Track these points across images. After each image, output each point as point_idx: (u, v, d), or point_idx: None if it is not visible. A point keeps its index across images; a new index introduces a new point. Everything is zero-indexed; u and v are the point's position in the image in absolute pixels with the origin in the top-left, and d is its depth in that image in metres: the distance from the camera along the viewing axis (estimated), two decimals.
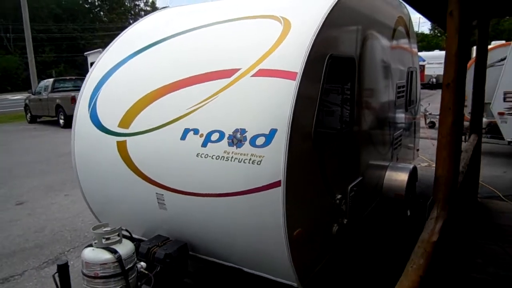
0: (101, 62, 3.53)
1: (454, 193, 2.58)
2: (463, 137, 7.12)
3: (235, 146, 2.50)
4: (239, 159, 2.48)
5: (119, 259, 2.42)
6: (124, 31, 3.80)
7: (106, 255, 2.42)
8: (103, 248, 2.45)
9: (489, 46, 11.27)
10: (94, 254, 2.43)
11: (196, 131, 2.69)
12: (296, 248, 2.48)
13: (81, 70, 54.39)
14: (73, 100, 13.55)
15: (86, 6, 68.82)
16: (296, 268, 2.53)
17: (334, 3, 2.78)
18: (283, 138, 2.33)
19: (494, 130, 7.88)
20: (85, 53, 19.77)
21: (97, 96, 3.33)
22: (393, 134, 4.74)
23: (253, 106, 2.54)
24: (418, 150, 6.36)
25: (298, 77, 2.39)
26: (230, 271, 2.96)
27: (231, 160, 2.51)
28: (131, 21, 72.86)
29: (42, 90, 15.55)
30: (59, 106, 14.28)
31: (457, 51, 2.31)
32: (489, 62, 9.09)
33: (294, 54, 2.49)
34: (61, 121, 14.44)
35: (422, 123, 9.48)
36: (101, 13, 71.53)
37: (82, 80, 14.43)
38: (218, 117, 2.62)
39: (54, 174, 7.82)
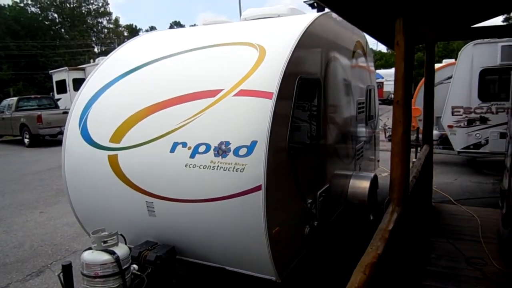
0: (89, 83, 3.81)
1: (406, 193, 3.06)
2: (418, 148, 7.88)
3: (220, 157, 2.86)
4: (224, 167, 2.84)
5: (117, 260, 2.69)
6: (110, 54, 4.11)
7: (106, 256, 2.68)
8: (102, 250, 2.71)
9: (439, 65, 12.38)
10: (94, 256, 2.69)
11: (184, 144, 3.02)
12: (275, 245, 2.84)
13: (41, 88, 52.73)
14: (39, 119, 13.39)
15: (46, 23, 67.09)
16: (275, 263, 2.89)
17: (303, 32, 3.24)
18: (263, 149, 2.72)
19: (445, 142, 8.65)
20: (50, 72, 19.50)
21: (87, 114, 3.59)
22: (356, 146, 5.25)
23: (235, 121, 2.92)
24: (378, 161, 6.94)
25: (274, 96, 2.81)
26: (213, 270, 3.27)
27: (217, 169, 2.86)
28: (94, 39, 71.80)
29: (5, 109, 15.20)
30: (24, 125, 14.02)
31: (404, 74, 2.81)
32: (438, 80, 10.03)
33: (270, 76, 2.92)
34: (26, 140, 14.16)
35: (382, 137, 10.20)
36: (62, 30, 69.90)
37: (47, 98, 14.28)
38: (205, 131, 2.98)
39: (25, 193, 7.78)
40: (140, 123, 3.28)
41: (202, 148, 2.95)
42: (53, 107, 15.55)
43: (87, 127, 3.55)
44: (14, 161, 11.82)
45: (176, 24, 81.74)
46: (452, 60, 12.45)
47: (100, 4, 67.52)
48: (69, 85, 17.11)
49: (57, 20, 68.35)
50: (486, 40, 7.25)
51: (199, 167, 2.93)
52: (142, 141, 3.22)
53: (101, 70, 3.89)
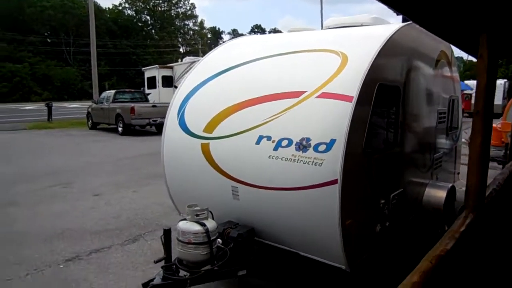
0: (187, 80, 4.38)
1: (482, 201, 3.12)
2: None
3: (301, 151, 3.19)
4: (304, 161, 3.16)
5: (206, 231, 3.14)
6: (204, 56, 4.66)
7: (197, 227, 3.15)
8: (195, 221, 3.19)
9: None
10: (188, 226, 3.17)
11: (269, 138, 3.40)
12: (346, 236, 3.09)
13: (131, 83, 57.62)
14: (132, 110, 14.88)
15: (140, 24, 73.16)
16: (346, 252, 3.13)
17: (385, 41, 3.44)
18: (341, 146, 2.99)
19: None
20: (143, 69, 21.46)
21: (185, 107, 4.15)
22: (433, 156, 5.23)
23: (317, 121, 3.23)
24: (459, 173, 6.73)
25: (354, 100, 3.06)
26: (288, 255, 3.60)
27: (297, 162, 3.20)
28: (180, 39, 76.62)
29: (104, 100, 17.13)
30: (119, 115, 15.69)
31: (486, 85, 2.90)
32: None
33: (351, 82, 3.17)
34: (120, 129, 15.83)
35: (466, 150, 9.72)
36: (153, 31, 75.60)
37: (139, 92, 15.82)
38: (288, 128, 3.33)
39: (119, 175, 8.84)
40: (230, 117, 3.73)
41: (284, 142, 3.30)
42: (143, 101, 17.17)
43: (184, 118, 4.11)
44: (110, 147, 13.34)
45: (257, 28, 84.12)
46: None
47: (188, 8, 72.09)
48: (159, 81, 18.72)
49: (149, 22, 74.14)
50: None
51: (281, 159, 3.29)
52: (232, 132, 3.67)
53: (198, 70, 4.44)
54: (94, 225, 5.53)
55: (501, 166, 8.82)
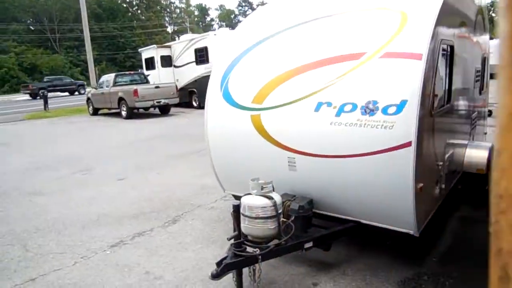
0: (226, 50, 4.17)
1: None
2: None
3: (367, 115, 3.05)
4: (372, 125, 3.02)
5: (274, 204, 3.03)
6: (242, 23, 4.42)
7: (265, 201, 3.03)
8: (262, 195, 3.07)
9: None
10: (255, 200, 3.06)
11: (329, 104, 3.25)
12: (418, 200, 3.00)
13: (121, 67, 56.52)
14: (135, 93, 14.56)
15: (124, 5, 71.20)
16: (417, 217, 3.05)
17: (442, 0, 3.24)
18: (414, 107, 2.85)
19: None
20: (140, 50, 20.94)
21: (228, 78, 3.96)
22: (472, 115, 5.13)
23: (383, 82, 3.07)
24: (486, 133, 6.67)
25: (424, 58, 2.90)
26: (346, 223, 3.52)
27: (364, 126, 3.06)
28: (167, 19, 74.78)
29: (104, 85, 16.73)
30: (121, 99, 15.35)
31: None
32: None
33: (418, 39, 3.01)
34: (123, 113, 15.53)
35: None
36: (139, 11, 73.67)
37: (139, 74, 15.51)
38: (350, 92, 3.18)
39: (137, 157, 8.67)
40: (282, 85, 3.56)
41: (348, 107, 3.15)
42: (145, 82, 16.80)
43: (229, 89, 3.93)
44: (119, 131, 13.11)
45: (245, 1, 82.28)
46: None
47: None
48: (158, 62, 18.27)
49: (134, 3, 72.11)
50: None
51: (345, 125, 3.15)
52: (285, 102, 3.50)
53: (237, 38, 4.23)
54: (129, 209, 5.40)
55: None
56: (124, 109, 15.38)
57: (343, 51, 3.33)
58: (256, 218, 3.04)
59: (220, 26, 73.79)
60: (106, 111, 17.87)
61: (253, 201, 3.05)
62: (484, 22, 5.54)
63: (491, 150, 4.87)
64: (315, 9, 3.91)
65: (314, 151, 3.37)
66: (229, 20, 78.58)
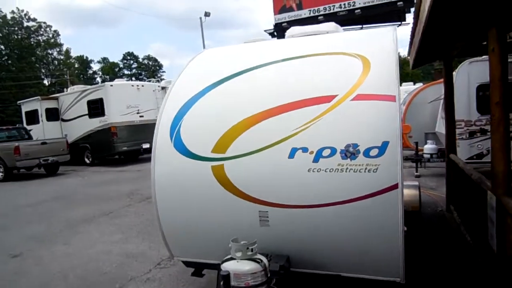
0: (173, 94, 3.71)
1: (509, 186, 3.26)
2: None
3: (349, 159, 2.91)
4: (354, 169, 2.88)
5: (265, 268, 2.60)
6: (188, 63, 4.02)
7: (255, 265, 2.58)
8: (248, 259, 2.61)
9: (418, 87, 13.24)
10: (242, 265, 2.59)
11: (304, 149, 3.03)
12: (404, 244, 2.89)
13: None
14: (17, 150, 12.52)
15: None
16: (404, 263, 2.92)
17: (395, 42, 3.41)
18: (397, 148, 2.81)
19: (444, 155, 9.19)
20: (19, 102, 18.45)
21: (180, 125, 3.48)
22: None
23: (360, 124, 2.98)
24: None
25: (397, 99, 2.94)
26: (326, 278, 3.23)
27: (346, 171, 2.90)
28: (43, 70, 68.74)
29: None
30: None
31: (501, 76, 3.11)
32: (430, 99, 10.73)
33: (387, 81, 3.04)
34: (0, 174, 13.08)
35: None
36: (9, 62, 66.44)
37: (19, 129, 13.48)
38: (326, 136, 3.01)
39: (32, 226, 7.16)
40: (248, 131, 3.24)
41: (326, 152, 2.97)
42: (27, 138, 14.59)
43: (181, 138, 3.44)
44: None
45: (130, 55, 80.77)
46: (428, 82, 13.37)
47: (51, 35, 65.41)
48: (42, 115, 16.24)
49: (4, 52, 64.97)
50: (480, 58, 7.96)
51: (325, 171, 2.95)
52: (253, 149, 3.17)
53: (185, 79, 3.81)
54: None
55: (415, 164, 9.87)
56: (1, 169, 12.99)
57: (312, 93, 3.18)
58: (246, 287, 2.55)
59: (104, 80, 70.67)
60: None
61: (240, 267, 2.58)
62: None
63: (419, 188, 5.22)
64: (275, 52, 3.78)
65: (290, 202, 3.07)
66: (113, 73, 75.64)
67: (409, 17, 17.04)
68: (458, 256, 4.41)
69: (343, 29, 4.75)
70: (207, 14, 30.20)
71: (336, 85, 3.19)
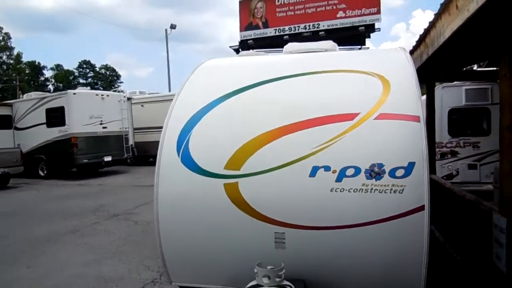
0: (179, 106, 3.47)
1: None
2: None
3: (374, 179, 2.81)
4: (380, 190, 2.79)
5: None
6: (192, 72, 3.79)
7: None
8: (278, 286, 2.40)
9: None
10: None
11: (327, 168, 2.90)
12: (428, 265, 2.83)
13: None
14: None
15: None
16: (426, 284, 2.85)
17: (411, 62, 3.40)
18: (423, 169, 2.76)
19: None
20: None
21: (188, 139, 3.23)
22: None
23: (385, 144, 2.91)
24: None
25: (422, 119, 2.91)
26: None
27: (370, 192, 2.80)
28: None
29: None
30: None
31: None
32: None
33: (410, 101, 3.00)
34: None
35: None
36: None
37: None
38: (351, 155, 2.91)
39: None
40: (264, 147, 3.06)
41: (350, 171, 2.86)
42: None
43: (190, 153, 3.19)
44: None
45: (86, 63, 77.72)
46: None
47: (0, 38, 61.62)
48: None
49: None
50: (452, 83, 8.37)
51: (348, 191, 2.83)
52: (271, 166, 3.00)
53: (189, 92, 3.58)
54: None
55: None
56: None
57: (333, 111, 3.08)
58: None
59: (56, 87, 67.31)
60: None
61: None
62: None
63: None
64: (288, 66, 3.65)
65: (309, 223, 2.91)
66: (67, 81, 72.15)
67: (368, 42, 17.76)
68: (452, 274, 4.44)
69: None
70: (173, 27, 29.89)
71: (357, 103, 3.11)
